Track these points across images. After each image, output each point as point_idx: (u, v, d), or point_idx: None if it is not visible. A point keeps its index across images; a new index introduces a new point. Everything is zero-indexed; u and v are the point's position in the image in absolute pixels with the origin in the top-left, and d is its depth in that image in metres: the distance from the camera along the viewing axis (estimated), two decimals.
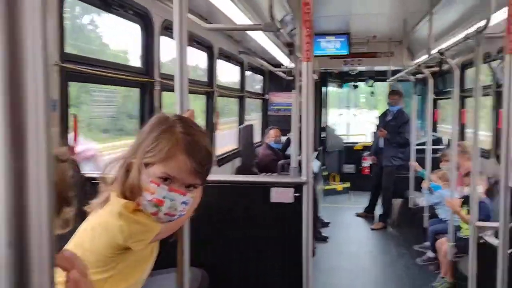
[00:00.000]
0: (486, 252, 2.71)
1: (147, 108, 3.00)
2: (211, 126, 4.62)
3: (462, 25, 4.35)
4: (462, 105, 6.13)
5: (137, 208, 1.20)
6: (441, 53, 3.60)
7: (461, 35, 3.37)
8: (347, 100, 10.13)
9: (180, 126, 1.22)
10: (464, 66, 5.68)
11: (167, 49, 3.16)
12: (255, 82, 7.71)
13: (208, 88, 4.47)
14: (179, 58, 1.51)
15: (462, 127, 6.11)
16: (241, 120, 6.01)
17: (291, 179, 1.88)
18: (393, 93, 6.99)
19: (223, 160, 5.18)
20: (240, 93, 5.93)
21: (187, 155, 1.17)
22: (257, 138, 7.27)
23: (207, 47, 4.38)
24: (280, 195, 1.84)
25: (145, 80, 2.94)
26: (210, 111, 4.58)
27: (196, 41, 4.00)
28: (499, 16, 3.36)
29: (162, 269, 1.67)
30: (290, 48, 3.20)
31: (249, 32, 4.67)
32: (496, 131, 4.98)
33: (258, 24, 2.55)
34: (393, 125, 6.75)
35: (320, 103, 8.65)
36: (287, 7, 4.98)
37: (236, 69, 5.99)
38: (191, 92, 4.57)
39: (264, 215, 1.97)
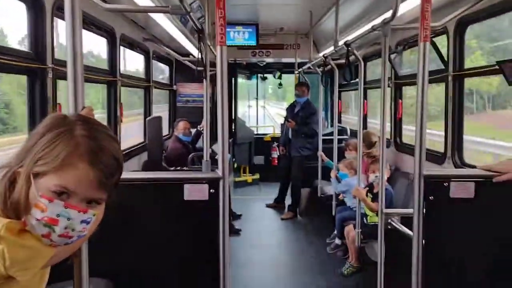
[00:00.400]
0: (393, 238, 2.81)
1: (38, 99, 2.64)
2: (114, 119, 4.28)
3: (367, 17, 4.50)
4: (365, 96, 6.44)
5: (24, 229, 0.96)
6: (347, 44, 3.67)
7: (367, 26, 3.47)
8: (256, 92, 10.17)
9: (81, 128, 1.00)
10: (365, 59, 5.93)
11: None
12: (160, 72, 7.39)
13: (110, 77, 4.12)
14: (72, 42, 1.30)
15: (365, 118, 6.42)
16: (148, 112, 5.69)
17: (205, 174, 1.73)
18: (300, 85, 7.13)
19: (128, 155, 4.86)
20: (146, 83, 5.61)
21: (90, 163, 0.96)
22: (165, 131, 6.99)
23: (108, 32, 4.02)
24: (195, 192, 1.68)
25: (35, 66, 2.57)
26: (113, 102, 4.23)
27: (94, 24, 3.64)
28: (405, 7, 3.51)
29: (56, 282, 1.42)
30: (199, 34, 3.04)
31: (154, 17, 4.39)
32: (395, 121, 5.29)
33: (165, 6, 2.33)
34: (301, 116, 6.89)
35: (229, 94, 8.56)
36: None
37: (141, 58, 5.66)
38: (89, 81, 4.21)
39: (177, 214, 1.80)
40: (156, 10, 3.36)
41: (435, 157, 3.91)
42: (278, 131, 9.68)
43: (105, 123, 4.30)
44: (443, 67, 3.81)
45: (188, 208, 1.74)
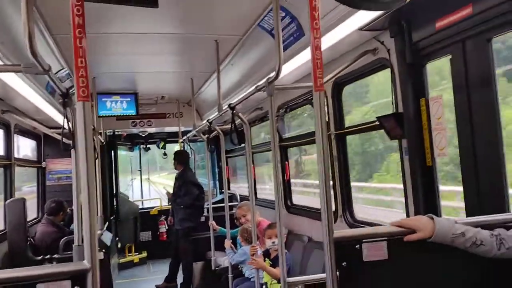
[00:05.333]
0: None
1: None
2: None
3: (249, 80, 4.50)
4: (252, 161, 6.40)
5: None
6: (232, 107, 3.55)
7: (251, 89, 3.41)
8: (140, 164, 9.63)
9: None
10: (249, 123, 5.95)
11: None
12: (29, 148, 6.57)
13: None
14: None
15: (254, 182, 6.35)
16: (8, 195, 4.87)
17: (66, 267, 1.31)
18: (175, 155, 6.89)
19: None
20: (5, 161, 4.84)
21: None
22: (33, 213, 6.07)
23: None
24: None
25: None
26: None
27: None
28: (289, 66, 3.54)
29: None
30: (64, 99, 2.64)
31: (16, 87, 3.86)
32: (284, 183, 5.25)
33: (17, 65, 1.94)
34: (178, 186, 6.59)
35: (109, 168, 7.91)
36: (62, 62, 4.37)
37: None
38: None
39: None
40: (6, 70, 2.89)
41: None
42: (165, 204, 9.17)
43: None
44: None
45: None
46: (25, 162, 5.95)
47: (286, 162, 5.21)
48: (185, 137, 6.84)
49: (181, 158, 6.73)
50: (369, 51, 3.07)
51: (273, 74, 2.52)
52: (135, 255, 8.44)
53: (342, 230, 1.60)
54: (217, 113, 4.47)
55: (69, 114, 2.76)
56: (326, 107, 3.90)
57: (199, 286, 6.56)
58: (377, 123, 3.02)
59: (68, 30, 1.40)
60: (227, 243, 4.74)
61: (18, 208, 4.48)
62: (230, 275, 4.70)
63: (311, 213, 4.59)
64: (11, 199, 4.61)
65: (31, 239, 5.02)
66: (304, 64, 3.52)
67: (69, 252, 4.52)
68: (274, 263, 3.82)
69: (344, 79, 3.61)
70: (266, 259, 3.94)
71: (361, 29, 2.80)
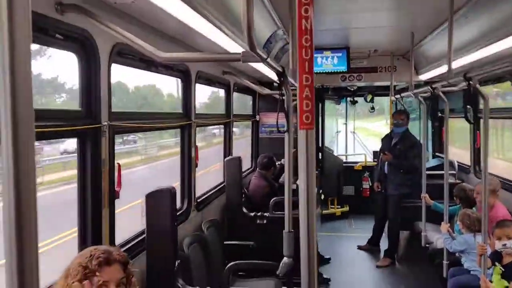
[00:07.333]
0: None
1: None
2: (188, 163, 3.86)
3: (485, 38, 3.62)
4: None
5: None
6: (467, 78, 2.87)
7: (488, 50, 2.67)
8: (345, 117, 9.40)
9: None
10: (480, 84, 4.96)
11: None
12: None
13: (184, 120, 3.71)
14: None
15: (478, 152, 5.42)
16: (227, 150, 5.25)
17: None
18: (399, 113, 6.29)
19: (207, 200, 4.43)
20: (226, 119, 5.18)
21: None
22: (247, 164, 6.52)
23: (182, 72, 3.63)
24: None
25: (87, 127, 2.19)
26: (187, 145, 3.82)
27: (167, 66, 3.26)
28: None
29: None
30: (280, 78, 2.48)
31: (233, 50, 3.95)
32: None
33: (236, 53, 1.82)
34: (399, 149, 6.04)
35: (316, 121, 7.90)
36: (278, 22, 4.27)
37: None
38: (163, 128, 3.87)
39: None
40: (227, 59, 2.90)
41: None
42: (370, 160, 8.82)
43: (179, 167, 3.92)
44: None
45: None
46: (241, 117, 6.31)
47: None
48: (403, 94, 6.17)
49: (407, 117, 6.17)
50: None
51: None
52: (337, 208, 8.47)
53: None
54: (437, 70, 3.74)
55: (284, 92, 2.61)
56: None
57: (404, 256, 6.18)
58: None
59: None
60: (444, 226, 4.10)
61: (235, 165, 4.79)
62: (445, 262, 4.13)
63: None
64: (229, 157, 4.94)
65: (245, 190, 5.39)
66: None
67: (278, 212, 4.69)
68: (509, 273, 3.08)
69: None
70: (496, 264, 3.21)
71: None
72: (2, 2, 0.57)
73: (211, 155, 7.64)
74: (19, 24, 0.59)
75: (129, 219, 4.29)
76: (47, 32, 1.93)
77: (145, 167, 16.48)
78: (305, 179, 1.17)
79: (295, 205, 1.80)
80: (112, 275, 1.60)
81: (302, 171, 1.17)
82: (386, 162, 6.12)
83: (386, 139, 6.38)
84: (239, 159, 4.80)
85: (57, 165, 13.20)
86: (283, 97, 2.72)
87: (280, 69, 2.36)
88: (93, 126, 2.20)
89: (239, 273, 4.14)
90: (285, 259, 2.45)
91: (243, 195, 5.06)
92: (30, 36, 0.60)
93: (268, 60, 1.91)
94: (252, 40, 1.57)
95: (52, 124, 1.97)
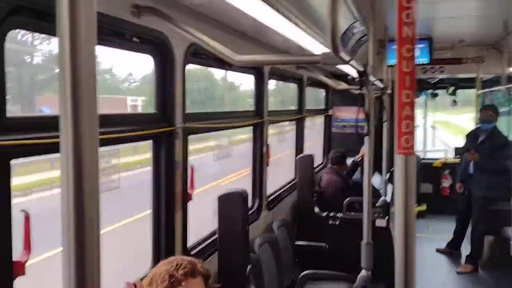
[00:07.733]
0: None
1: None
2: (260, 163, 3.79)
3: None
4: None
5: None
6: None
7: None
8: (424, 110, 8.85)
9: None
10: None
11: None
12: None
13: (256, 119, 3.64)
14: None
15: None
16: (299, 147, 5.11)
17: None
18: (487, 108, 5.77)
19: (278, 198, 4.35)
20: (298, 115, 5.04)
21: None
22: (318, 159, 6.34)
23: (254, 69, 3.55)
24: None
25: (162, 130, 2.17)
26: (259, 144, 3.75)
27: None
28: None
29: None
30: (362, 77, 2.30)
31: (305, 46, 3.80)
32: None
33: (315, 55, 1.69)
34: (486, 148, 5.55)
35: (391, 115, 7.52)
36: (355, 13, 4.04)
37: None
38: (235, 127, 3.83)
39: None
40: (306, 61, 2.78)
41: None
42: (450, 156, 8.26)
43: (249, 167, 3.87)
44: None
45: None
46: (313, 112, 6.14)
47: None
48: (487, 89, 5.67)
49: (495, 112, 5.66)
50: None
51: None
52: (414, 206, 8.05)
53: None
54: None
55: (365, 92, 2.43)
56: None
57: (488, 264, 5.71)
58: None
59: None
60: None
61: (307, 163, 4.66)
62: None
63: None
64: (301, 155, 4.81)
65: (318, 186, 5.23)
66: None
67: (352, 213, 4.50)
68: None
69: None
70: None
71: None
72: (63, 4, 0.54)
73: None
74: (84, 28, 0.55)
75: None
76: (124, 35, 1.92)
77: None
78: (403, 218, 1.02)
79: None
80: (195, 287, 1.61)
81: (399, 206, 1.03)
82: (472, 162, 5.66)
83: (471, 137, 5.89)
84: (311, 157, 4.66)
85: (129, 149, 13.77)
86: (363, 94, 2.55)
87: (361, 68, 2.18)
88: (168, 128, 2.18)
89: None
90: (363, 271, 2.30)
91: (315, 194, 4.92)
92: (95, 39, 0.57)
93: (352, 62, 1.76)
94: (337, 42, 1.43)
95: (129, 129, 1.97)
